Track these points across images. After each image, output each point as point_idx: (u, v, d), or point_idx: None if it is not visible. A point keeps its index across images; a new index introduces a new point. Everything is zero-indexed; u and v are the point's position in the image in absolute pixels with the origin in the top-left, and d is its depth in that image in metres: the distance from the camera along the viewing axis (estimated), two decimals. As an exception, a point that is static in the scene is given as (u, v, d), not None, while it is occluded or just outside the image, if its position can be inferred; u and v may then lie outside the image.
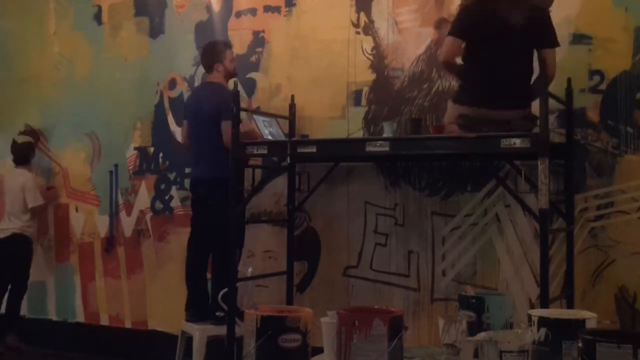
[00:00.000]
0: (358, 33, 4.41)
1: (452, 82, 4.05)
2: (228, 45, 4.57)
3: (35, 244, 5.49)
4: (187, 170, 4.90)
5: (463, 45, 3.52)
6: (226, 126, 4.13)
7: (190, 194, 4.60)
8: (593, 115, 3.75)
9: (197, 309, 4.35)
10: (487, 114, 3.42)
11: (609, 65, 3.72)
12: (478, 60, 3.51)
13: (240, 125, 4.18)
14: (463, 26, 3.52)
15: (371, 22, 4.38)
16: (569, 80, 3.72)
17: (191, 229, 4.52)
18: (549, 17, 3.60)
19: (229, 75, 4.47)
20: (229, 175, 4.03)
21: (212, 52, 4.48)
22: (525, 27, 3.45)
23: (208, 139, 4.32)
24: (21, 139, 5.55)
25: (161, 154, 5.12)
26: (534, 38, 3.51)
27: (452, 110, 3.58)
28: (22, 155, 5.48)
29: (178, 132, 5.00)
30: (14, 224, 5.35)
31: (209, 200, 4.29)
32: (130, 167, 5.26)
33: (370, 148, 3.61)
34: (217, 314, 4.20)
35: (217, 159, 4.20)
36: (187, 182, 4.95)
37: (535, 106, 3.41)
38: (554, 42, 3.54)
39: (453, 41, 3.52)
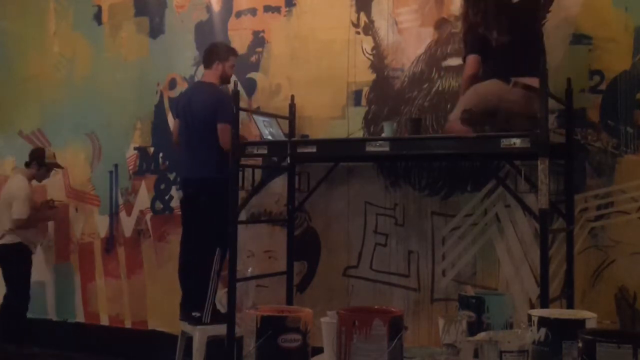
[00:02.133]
0: (358, 33, 4.41)
1: (451, 82, 4.06)
2: (234, 52, 4.58)
3: (34, 249, 5.47)
4: (187, 170, 4.92)
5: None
6: (223, 129, 4.14)
7: (181, 192, 4.63)
8: (593, 115, 3.74)
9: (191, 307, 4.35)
10: (498, 90, 3.45)
11: (609, 65, 3.72)
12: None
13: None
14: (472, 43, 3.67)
15: (371, 22, 4.38)
16: (569, 80, 3.72)
17: (182, 228, 4.54)
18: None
19: (224, 79, 4.48)
20: (220, 176, 4.11)
21: (217, 50, 4.50)
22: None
23: (200, 138, 4.32)
24: (40, 147, 5.49)
25: (161, 154, 5.13)
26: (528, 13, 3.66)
27: (462, 101, 3.58)
28: (32, 157, 5.35)
29: (178, 132, 5.01)
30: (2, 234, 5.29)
31: (199, 200, 4.30)
32: (130, 167, 5.26)
33: (370, 148, 3.61)
34: (194, 314, 4.23)
35: (208, 159, 4.24)
36: (187, 182, 4.97)
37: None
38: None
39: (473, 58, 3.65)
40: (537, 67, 3.35)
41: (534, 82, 3.36)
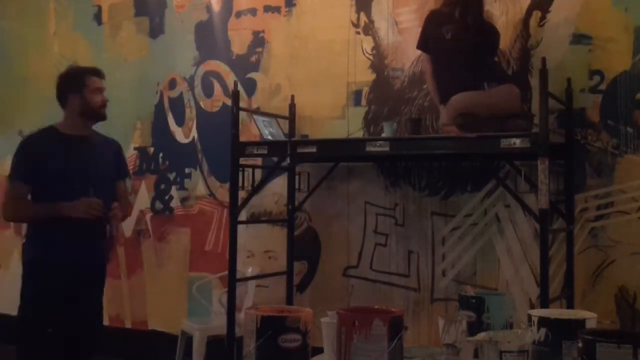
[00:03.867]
0: (358, 33, 4.41)
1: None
2: (94, 71, 3.67)
3: None
4: (187, 170, 4.91)
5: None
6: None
7: None
8: (593, 115, 3.75)
9: None
10: (478, 97, 3.47)
11: (609, 65, 3.72)
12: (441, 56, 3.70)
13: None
14: (425, 38, 3.80)
15: (371, 22, 4.38)
16: (569, 80, 3.72)
17: None
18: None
19: (89, 113, 3.60)
20: None
21: (65, 81, 3.63)
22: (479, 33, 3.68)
23: None
24: None
25: (161, 154, 5.12)
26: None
27: (446, 112, 3.60)
28: None
29: (178, 132, 5.01)
30: None
31: None
32: (130, 167, 5.26)
33: (370, 148, 3.62)
34: None
35: None
36: (187, 182, 4.97)
37: (536, 106, 3.41)
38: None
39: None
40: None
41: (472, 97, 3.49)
